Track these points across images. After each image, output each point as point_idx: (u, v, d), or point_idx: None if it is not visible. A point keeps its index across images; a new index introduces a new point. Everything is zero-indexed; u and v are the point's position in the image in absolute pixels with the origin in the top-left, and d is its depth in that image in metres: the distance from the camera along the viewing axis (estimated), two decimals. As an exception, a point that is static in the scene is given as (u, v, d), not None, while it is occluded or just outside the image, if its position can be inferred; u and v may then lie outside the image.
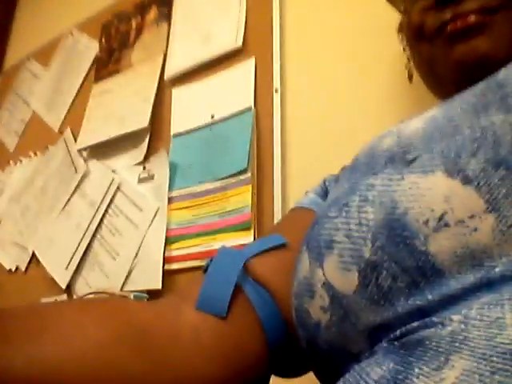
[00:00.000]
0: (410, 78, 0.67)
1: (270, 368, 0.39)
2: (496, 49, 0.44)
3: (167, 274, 0.90)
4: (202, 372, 0.33)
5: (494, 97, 0.32)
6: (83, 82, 1.35)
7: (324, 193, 0.55)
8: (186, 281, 0.88)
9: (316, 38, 0.92)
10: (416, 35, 0.52)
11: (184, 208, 0.94)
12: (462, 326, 0.25)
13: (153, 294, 0.90)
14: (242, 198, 0.85)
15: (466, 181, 0.28)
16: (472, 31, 0.45)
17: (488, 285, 0.26)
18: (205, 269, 0.41)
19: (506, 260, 0.26)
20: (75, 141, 1.25)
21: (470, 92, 0.35)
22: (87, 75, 1.35)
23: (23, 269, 1.23)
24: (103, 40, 1.34)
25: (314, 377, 0.39)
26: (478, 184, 0.28)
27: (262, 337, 0.38)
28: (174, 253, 0.91)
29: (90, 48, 1.38)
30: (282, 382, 0.45)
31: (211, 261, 0.40)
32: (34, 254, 1.20)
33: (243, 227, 0.83)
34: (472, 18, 0.45)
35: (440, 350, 0.25)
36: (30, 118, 1.50)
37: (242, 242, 0.82)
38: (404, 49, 0.64)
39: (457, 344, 0.25)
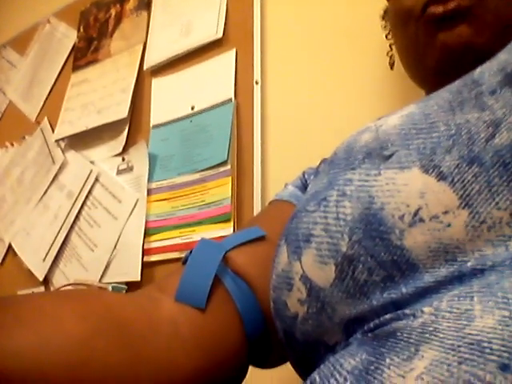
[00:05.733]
0: (392, 65, 0.67)
1: (248, 359, 0.40)
2: (480, 36, 0.45)
3: (146, 266, 0.90)
4: (181, 363, 0.33)
5: (469, 94, 0.33)
6: (61, 72, 1.32)
7: (303, 186, 0.55)
8: (164, 272, 0.88)
9: (297, 30, 0.92)
10: (404, 17, 0.51)
11: (163, 200, 0.93)
12: (433, 318, 0.26)
13: (132, 286, 0.90)
14: (221, 190, 0.85)
15: (441, 177, 0.29)
16: (455, 18, 0.45)
17: (459, 278, 0.27)
18: (184, 260, 0.41)
19: (478, 255, 0.27)
20: (53, 131, 1.23)
21: (447, 89, 0.36)
22: (65, 64, 1.32)
23: (-1, 261, 1.21)
24: (81, 29, 1.32)
25: (291, 368, 0.40)
26: (452, 180, 0.28)
27: (241, 328, 0.38)
28: (153, 244, 0.91)
29: (68, 36, 1.35)
30: (261, 372, 0.46)
31: (190, 252, 0.40)
32: (10, 246, 1.18)
33: (223, 219, 0.83)
34: (452, 5, 0.45)
35: (411, 341, 0.25)
36: (7, 107, 1.46)
37: (221, 234, 0.82)
38: (387, 36, 0.64)
39: (427, 335, 0.25)
